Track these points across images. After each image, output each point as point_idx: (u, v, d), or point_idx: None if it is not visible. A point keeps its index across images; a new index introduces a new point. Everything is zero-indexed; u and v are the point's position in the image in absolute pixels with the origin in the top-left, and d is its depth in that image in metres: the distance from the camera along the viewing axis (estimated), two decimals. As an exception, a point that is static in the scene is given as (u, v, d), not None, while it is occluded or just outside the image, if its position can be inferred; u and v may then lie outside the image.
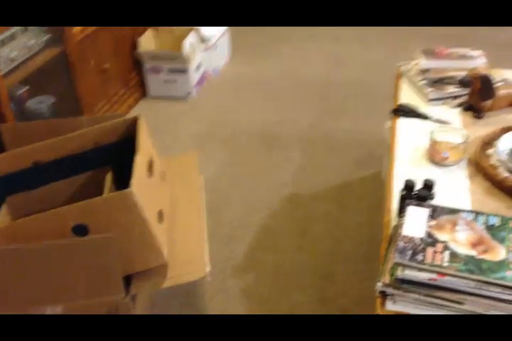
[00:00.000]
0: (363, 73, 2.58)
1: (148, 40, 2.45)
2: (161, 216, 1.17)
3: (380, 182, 1.71)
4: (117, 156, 1.33)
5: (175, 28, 2.46)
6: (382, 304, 0.91)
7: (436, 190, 1.08)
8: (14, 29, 1.75)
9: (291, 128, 2.24)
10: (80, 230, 1.04)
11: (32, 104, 1.90)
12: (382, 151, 1.63)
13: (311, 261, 1.54)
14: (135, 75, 2.42)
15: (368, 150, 2.04)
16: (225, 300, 1.41)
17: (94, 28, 2.06)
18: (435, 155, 1.24)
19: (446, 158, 1.23)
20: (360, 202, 1.79)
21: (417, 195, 1.06)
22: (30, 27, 1.81)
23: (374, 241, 1.62)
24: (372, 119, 2.22)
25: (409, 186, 1.07)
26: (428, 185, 1.07)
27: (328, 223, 1.69)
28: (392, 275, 0.91)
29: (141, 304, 1.25)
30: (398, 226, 0.99)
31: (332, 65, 2.68)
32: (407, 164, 1.25)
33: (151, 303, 1.39)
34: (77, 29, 1.95)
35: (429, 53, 1.61)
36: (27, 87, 1.90)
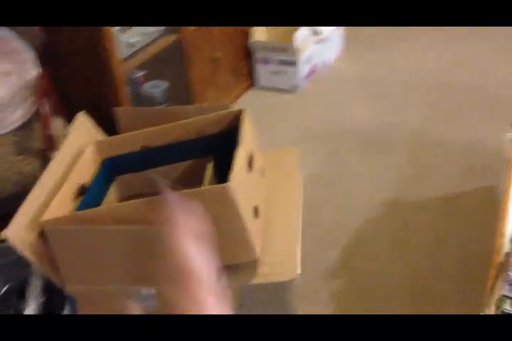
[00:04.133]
0: (484, 78, 2.38)
1: (262, 31, 2.45)
2: (256, 212, 1.16)
3: (492, 200, 1.57)
4: (220, 147, 1.34)
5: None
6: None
7: None
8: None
9: (397, 131, 2.13)
10: (178, 218, 1.06)
11: (147, 87, 1.98)
12: (500, 165, 1.49)
13: (405, 274, 1.46)
14: (244, 65, 2.44)
15: (483, 161, 1.87)
16: (314, 302, 1.38)
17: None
18: None
19: None
20: (466, 217, 1.66)
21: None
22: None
23: (477, 263, 1.49)
24: (489, 129, 2.04)
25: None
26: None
27: (428, 236, 1.59)
28: (498, 307, 0.83)
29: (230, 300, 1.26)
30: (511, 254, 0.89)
31: (450, 66, 2.50)
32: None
33: (240, 298, 1.40)
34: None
35: None
36: (144, 72, 1.98)
